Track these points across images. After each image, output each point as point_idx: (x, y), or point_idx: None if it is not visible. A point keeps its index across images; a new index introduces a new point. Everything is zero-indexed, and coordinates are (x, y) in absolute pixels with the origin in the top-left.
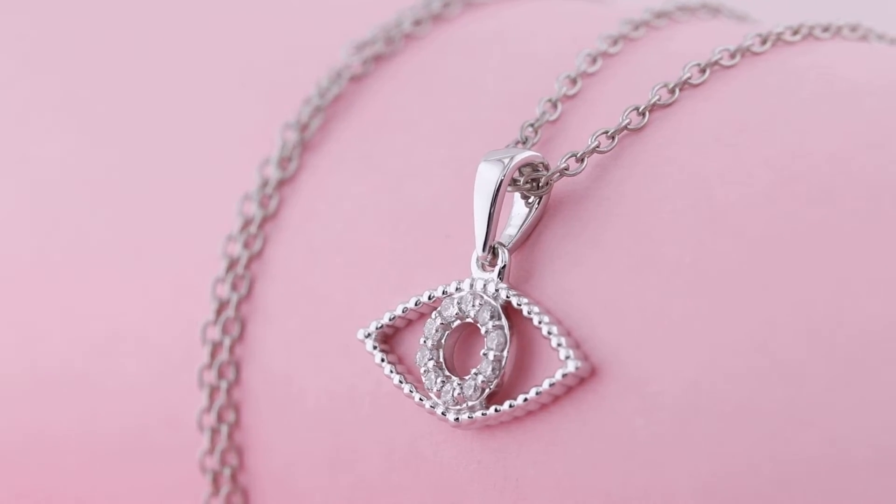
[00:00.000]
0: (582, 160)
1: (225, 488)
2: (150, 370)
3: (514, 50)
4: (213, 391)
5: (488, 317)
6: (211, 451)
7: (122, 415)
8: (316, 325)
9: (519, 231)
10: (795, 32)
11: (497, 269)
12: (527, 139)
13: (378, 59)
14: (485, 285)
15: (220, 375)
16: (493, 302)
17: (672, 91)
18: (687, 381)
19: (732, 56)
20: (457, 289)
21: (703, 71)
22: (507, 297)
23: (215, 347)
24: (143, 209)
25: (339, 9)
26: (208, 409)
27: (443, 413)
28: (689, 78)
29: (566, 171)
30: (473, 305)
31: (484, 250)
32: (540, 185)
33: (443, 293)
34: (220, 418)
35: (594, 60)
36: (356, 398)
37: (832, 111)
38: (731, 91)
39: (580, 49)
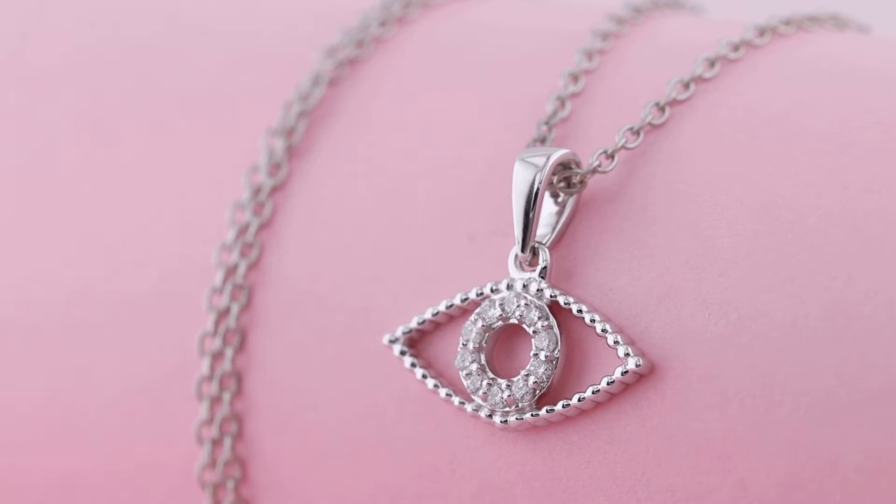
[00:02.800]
0: (612, 157)
1: (227, 501)
2: (146, 382)
3: (487, 49)
4: (214, 403)
5: (536, 317)
6: (212, 463)
7: (111, 427)
8: (327, 332)
9: (555, 230)
10: (788, 24)
11: (538, 268)
12: (545, 138)
13: (352, 62)
14: (525, 285)
15: (222, 387)
16: (538, 302)
17: (687, 86)
18: (760, 374)
19: (736, 49)
20: (493, 290)
21: (712, 65)
22: (552, 296)
23: (215, 359)
24: (128, 219)
25: (289, 12)
26: (209, 421)
27: (488, 416)
28: (702, 72)
29: (599, 169)
30: (518, 306)
31: (524, 250)
32: (572, 182)
33: (477, 295)
34: (221, 430)
35: (591, 57)
36: (378, 405)
37: (862, 99)
38: (747, 83)
39: (552, 45)
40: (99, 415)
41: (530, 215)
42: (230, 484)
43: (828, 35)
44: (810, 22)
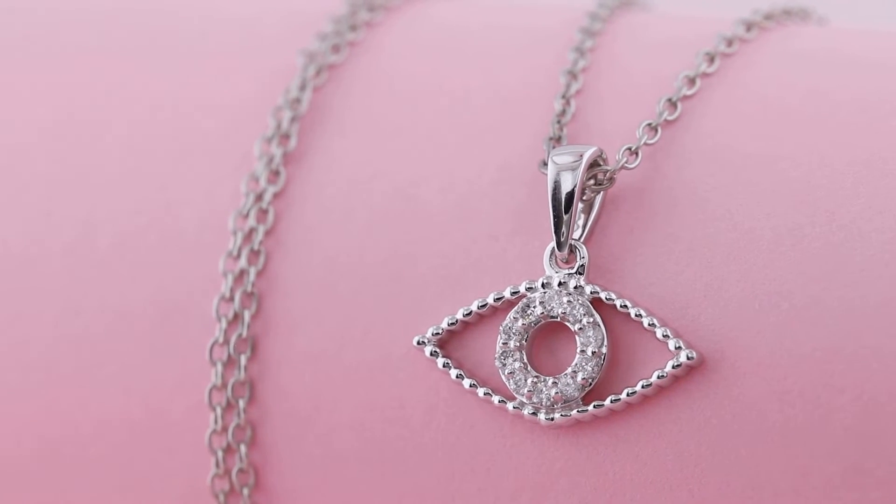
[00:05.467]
0: (636, 153)
1: None
2: (154, 393)
3: (465, 48)
4: (226, 411)
5: (581, 314)
6: (225, 472)
7: (117, 437)
8: (346, 336)
9: (586, 227)
10: (768, 18)
11: (577, 265)
12: (560, 136)
13: (331, 67)
14: (563, 283)
15: (235, 394)
16: (581, 298)
17: (693, 81)
18: (819, 362)
19: (730, 44)
20: (528, 288)
21: (712, 59)
22: (593, 292)
23: (226, 367)
24: (126, 226)
25: (253, 16)
26: (222, 429)
27: (532, 414)
28: (706, 67)
29: (627, 165)
30: (561, 303)
31: (562, 249)
32: (599, 179)
33: (512, 294)
34: (235, 438)
35: (583, 55)
36: (406, 408)
37: (873, 88)
38: (754, 76)
39: (526, 43)
40: (105, 426)
41: (568, 214)
42: (245, 492)
43: (806, 28)
44: (785, 15)
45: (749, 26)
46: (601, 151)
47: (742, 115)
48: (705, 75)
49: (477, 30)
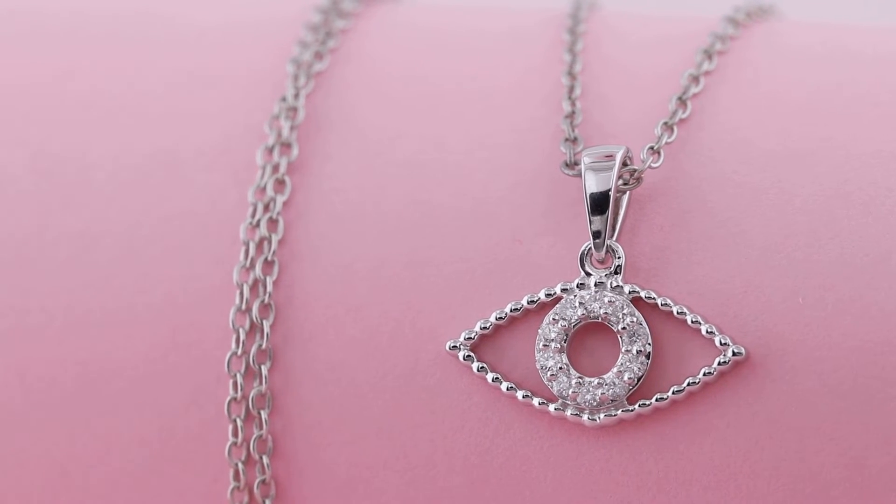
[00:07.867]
0: (658, 153)
1: None
2: (168, 412)
3: (447, 50)
4: (247, 423)
5: (624, 313)
6: (246, 485)
7: (133, 451)
8: (369, 343)
9: (616, 228)
10: (749, 16)
11: (613, 265)
12: (576, 138)
13: (316, 75)
14: (600, 283)
15: (256, 406)
16: (622, 298)
17: (697, 79)
18: (871, 353)
19: (723, 41)
20: (563, 290)
21: (710, 57)
22: (632, 291)
23: (245, 379)
24: (130, 237)
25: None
26: (241, 442)
27: (575, 415)
28: (708, 66)
29: (652, 165)
30: (602, 304)
31: (599, 249)
32: (625, 179)
33: (546, 296)
34: (257, 450)
35: (575, 56)
36: (436, 413)
37: (878, 80)
38: (756, 73)
39: (504, 45)
40: (118, 441)
41: (605, 214)
42: (267, 503)
43: (786, 24)
44: (760, 12)
45: (736, 24)
46: (628, 151)
47: (755, 111)
48: (707, 73)
49: (454, 32)
